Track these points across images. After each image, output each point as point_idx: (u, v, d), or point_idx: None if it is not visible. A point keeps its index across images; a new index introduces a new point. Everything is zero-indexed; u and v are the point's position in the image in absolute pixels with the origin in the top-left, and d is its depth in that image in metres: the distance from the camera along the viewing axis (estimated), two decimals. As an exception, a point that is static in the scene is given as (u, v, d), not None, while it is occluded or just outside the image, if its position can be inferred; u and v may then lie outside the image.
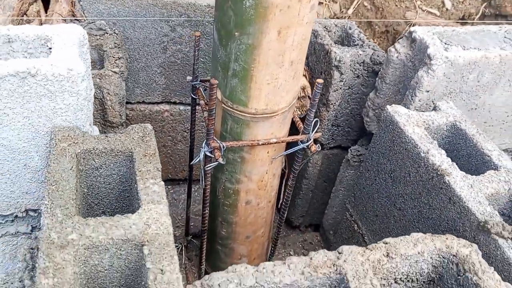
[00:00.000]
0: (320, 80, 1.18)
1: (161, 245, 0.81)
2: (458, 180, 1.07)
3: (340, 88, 1.62)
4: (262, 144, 1.21)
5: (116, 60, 1.36)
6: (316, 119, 1.25)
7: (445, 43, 1.35)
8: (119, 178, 1.06)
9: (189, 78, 1.38)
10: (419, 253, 0.93)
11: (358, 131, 1.77)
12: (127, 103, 1.84)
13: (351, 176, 1.78)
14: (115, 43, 1.46)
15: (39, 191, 1.14)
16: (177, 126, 1.93)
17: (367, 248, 0.91)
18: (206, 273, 1.79)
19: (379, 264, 0.89)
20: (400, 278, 0.95)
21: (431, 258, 0.95)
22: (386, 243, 0.93)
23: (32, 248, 1.19)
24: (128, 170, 1.04)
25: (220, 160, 1.16)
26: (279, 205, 1.53)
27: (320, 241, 2.07)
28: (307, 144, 1.25)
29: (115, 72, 1.30)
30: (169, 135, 1.95)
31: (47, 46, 1.05)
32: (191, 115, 1.48)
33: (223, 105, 1.17)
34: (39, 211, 1.19)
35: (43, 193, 1.15)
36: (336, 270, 0.86)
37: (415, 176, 1.19)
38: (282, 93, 1.14)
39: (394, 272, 0.93)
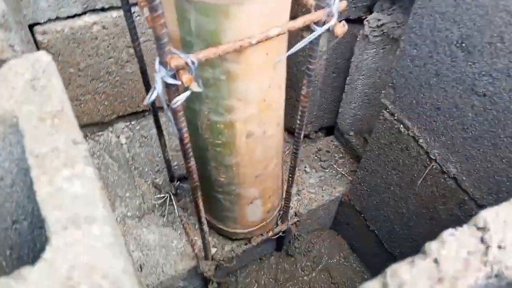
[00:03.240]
0: None
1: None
2: None
3: None
4: (258, 42, 0.70)
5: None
6: (336, -22, 0.72)
7: None
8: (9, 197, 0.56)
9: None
10: None
11: (371, -8, 1.24)
12: (35, 24, 1.25)
13: (372, 57, 1.29)
14: None
15: None
16: (117, 41, 1.37)
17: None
18: (209, 224, 1.39)
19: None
20: None
21: None
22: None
23: None
24: (16, 165, 0.53)
25: (194, 88, 0.66)
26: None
27: (338, 146, 1.65)
28: (330, 24, 0.74)
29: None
30: (109, 57, 1.39)
31: None
32: (127, 20, 0.94)
33: (173, -14, 0.63)
34: None
35: None
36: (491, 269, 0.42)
37: (506, 34, 0.71)
38: None
39: None
